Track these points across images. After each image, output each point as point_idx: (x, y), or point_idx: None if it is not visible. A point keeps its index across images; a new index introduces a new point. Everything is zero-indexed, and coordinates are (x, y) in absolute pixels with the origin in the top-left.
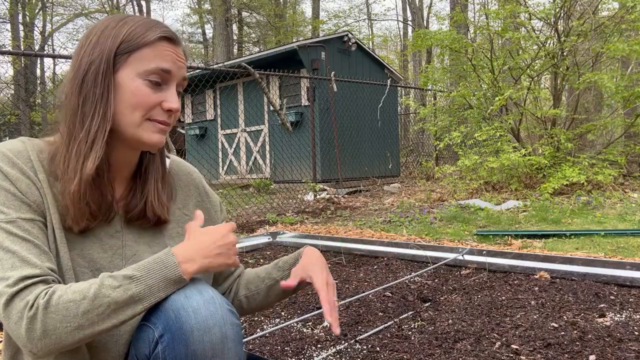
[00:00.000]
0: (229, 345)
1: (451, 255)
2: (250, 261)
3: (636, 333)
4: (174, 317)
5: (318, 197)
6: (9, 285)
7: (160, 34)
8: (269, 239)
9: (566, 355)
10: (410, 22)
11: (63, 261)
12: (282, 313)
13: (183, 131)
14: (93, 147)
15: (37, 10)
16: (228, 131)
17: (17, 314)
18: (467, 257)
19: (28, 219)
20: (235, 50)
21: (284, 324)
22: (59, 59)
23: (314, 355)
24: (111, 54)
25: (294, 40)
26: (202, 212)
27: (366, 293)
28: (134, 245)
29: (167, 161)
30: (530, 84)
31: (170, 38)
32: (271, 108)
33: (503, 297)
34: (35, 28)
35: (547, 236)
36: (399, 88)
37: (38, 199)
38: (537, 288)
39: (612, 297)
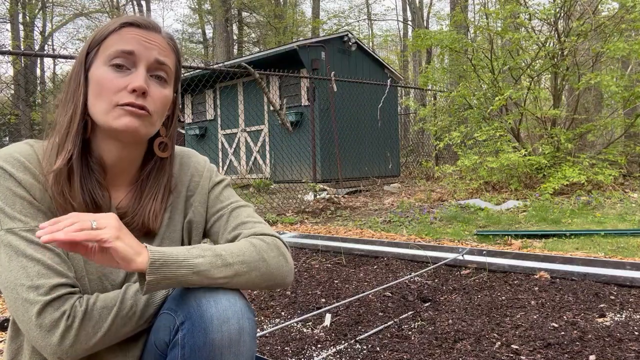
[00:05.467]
0: (244, 337)
1: (451, 255)
2: None
3: (636, 333)
4: (195, 306)
5: (318, 197)
6: (41, 294)
7: (124, 20)
8: None
9: (566, 355)
10: (410, 22)
11: (77, 269)
12: (282, 313)
13: (183, 131)
14: (65, 144)
15: (37, 10)
16: (228, 131)
17: (52, 322)
18: (467, 257)
19: None
20: (235, 50)
21: (284, 324)
22: (59, 59)
23: (314, 355)
24: (84, 54)
25: (293, 40)
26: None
27: (366, 293)
28: None
29: (177, 151)
30: (530, 84)
31: (135, 23)
32: (271, 108)
33: (503, 297)
34: (35, 28)
35: (547, 236)
36: (399, 88)
37: (51, 205)
38: (537, 288)
39: (612, 297)
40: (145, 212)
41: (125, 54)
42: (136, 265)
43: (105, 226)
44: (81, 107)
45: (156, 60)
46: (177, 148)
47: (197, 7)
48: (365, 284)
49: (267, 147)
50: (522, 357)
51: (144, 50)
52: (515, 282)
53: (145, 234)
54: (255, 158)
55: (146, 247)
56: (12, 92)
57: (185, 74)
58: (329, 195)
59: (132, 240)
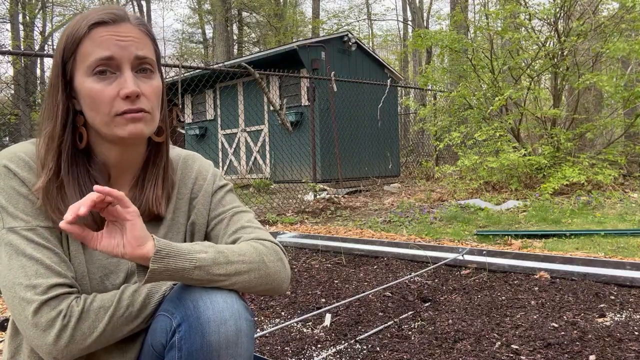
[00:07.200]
0: (242, 339)
1: (451, 255)
2: None
3: (636, 333)
4: (192, 308)
5: (318, 197)
6: (38, 294)
7: (91, 21)
8: None
9: (566, 355)
10: (410, 22)
11: (79, 269)
12: (282, 313)
13: (183, 131)
14: (45, 162)
15: (37, 10)
16: (228, 131)
17: (48, 322)
18: (467, 257)
19: (46, 227)
20: (235, 50)
21: (284, 324)
22: None
23: (314, 355)
24: (59, 66)
25: (293, 40)
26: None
27: (366, 293)
28: None
29: (182, 153)
30: (530, 84)
31: (103, 21)
32: (271, 108)
33: (503, 297)
34: (35, 28)
35: (547, 236)
36: (399, 88)
37: None
38: (537, 288)
39: (612, 297)
40: (149, 198)
41: (105, 61)
42: (142, 251)
43: (134, 207)
44: (61, 122)
45: (136, 56)
46: (182, 150)
47: (197, 7)
48: (365, 284)
49: (267, 147)
50: (522, 357)
51: (121, 51)
52: (515, 282)
53: (152, 220)
54: (255, 158)
55: (153, 237)
56: (12, 92)
57: (185, 74)
58: (329, 195)
59: (145, 227)
